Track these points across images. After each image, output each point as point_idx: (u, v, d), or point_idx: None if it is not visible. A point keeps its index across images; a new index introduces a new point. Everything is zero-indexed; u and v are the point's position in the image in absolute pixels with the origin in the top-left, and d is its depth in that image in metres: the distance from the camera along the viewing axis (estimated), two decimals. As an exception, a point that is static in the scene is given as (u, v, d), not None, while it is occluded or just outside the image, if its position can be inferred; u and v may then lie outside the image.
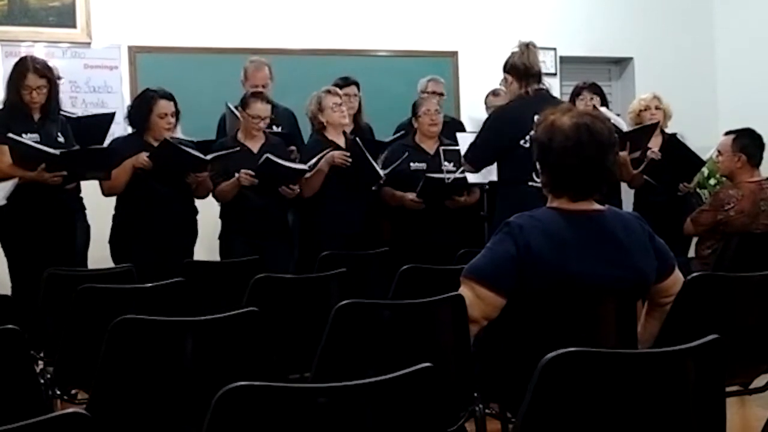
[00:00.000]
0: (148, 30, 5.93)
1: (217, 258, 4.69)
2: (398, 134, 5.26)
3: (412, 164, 4.91)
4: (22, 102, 4.31)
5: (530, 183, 3.85)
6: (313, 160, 4.64)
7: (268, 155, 4.46)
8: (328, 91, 4.82)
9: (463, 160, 4.46)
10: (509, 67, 4.13)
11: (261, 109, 4.63)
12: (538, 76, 4.11)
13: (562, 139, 2.28)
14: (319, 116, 4.79)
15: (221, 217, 4.75)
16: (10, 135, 4.16)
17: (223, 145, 4.67)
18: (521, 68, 4.08)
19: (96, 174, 4.39)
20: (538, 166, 2.40)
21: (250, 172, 4.49)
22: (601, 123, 2.32)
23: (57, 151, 4.17)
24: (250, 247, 4.47)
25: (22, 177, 4.19)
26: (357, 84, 5.29)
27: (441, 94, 5.42)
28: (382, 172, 4.74)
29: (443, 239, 4.72)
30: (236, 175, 4.51)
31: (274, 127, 5.00)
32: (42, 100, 4.33)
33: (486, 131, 4.19)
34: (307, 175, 4.66)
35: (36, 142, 4.24)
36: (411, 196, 4.81)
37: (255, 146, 4.66)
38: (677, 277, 2.46)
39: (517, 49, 4.12)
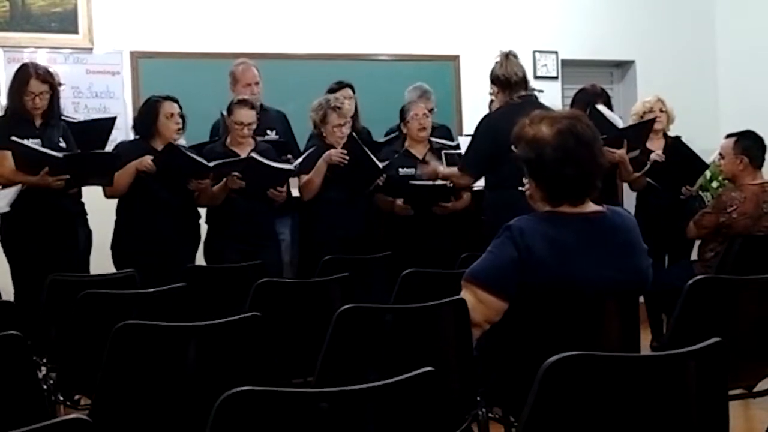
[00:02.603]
0: (150, 35, 5.94)
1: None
2: (391, 136, 5.25)
3: (400, 169, 4.92)
4: (24, 108, 4.33)
5: (519, 188, 3.94)
6: (299, 160, 4.64)
7: (253, 155, 4.46)
8: (336, 109, 4.80)
9: (459, 171, 4.52)
10: (493, 78, 4.32)
11: (245, 115, 4.60)
12: (521, 83, 4.27)
13: (551, 152, 2.26)
14: (320, 126, 4.81)
15: (207, 221, 4.75)
16: (14, 138, 4.18)
17: (213, 149, 4.68)
18: (502, 79, 4.26)
19: (99, 180, 4.40)
20: (528, 181, 2.38)
21: (236, 174, 4.48)
22: (581, 123, 2.30)
23: (61, 155, 4.19)
24: (237, 251, 4.47)
25: (25, 182, 4.20)
26: (351, 87, 5.28)
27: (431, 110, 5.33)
28: (381, 165, 4.75)
29: (444, 243, 4.73)
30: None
31: (268, 131, 5.00)
32: (44, 106, 4.34)
33: (476, 140, 4.35)
34: (305, 178, 4.67)
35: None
36: (400, 201, 4.83)
37: (243, 152, 4.65)
38: None
39: (498, 59, 4.29)
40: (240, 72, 5.07)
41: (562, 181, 2.28)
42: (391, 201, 4.88)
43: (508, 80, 4.23)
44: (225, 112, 4.83)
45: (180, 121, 4.48)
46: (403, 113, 5.05)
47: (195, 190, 4.49)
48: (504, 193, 4.07)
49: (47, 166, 4.16)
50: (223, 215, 4.64)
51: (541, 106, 4.14)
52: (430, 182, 4.78)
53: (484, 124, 4.36)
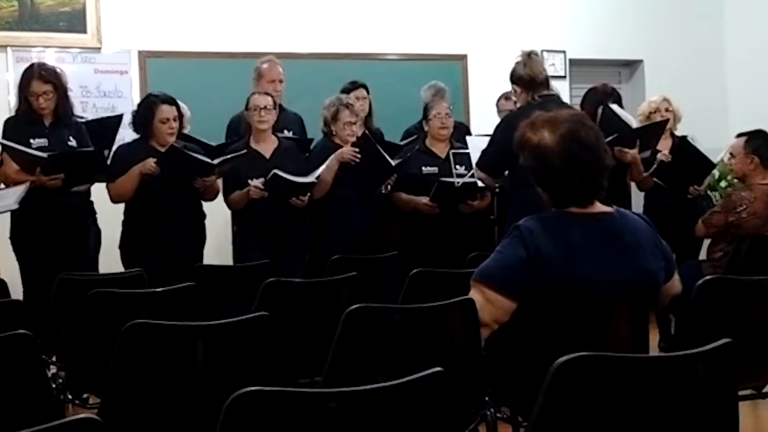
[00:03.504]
0: (158, 35, 5.95)
1: (225, 262, 4.68)
2: (411, 139, 5.25)
3: (423, 168, 4.92)
4: (30, 108, 4.35)
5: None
6: (319, 171, 4.63)
7: (276, 171, 4.45)
8: (347, 106, 4.81)
9: (476, 168, 4.44)
10: (515, 78, 4.19)
11: (259, 99, 4.61)
12: (544, 83, 4.16)
13: (556, 160, 2.25)
14: (330, 124, 4.81)
15: (235, 222, 4.75)
16: (2, 141, 4.22)
17: (236, 149, 4.66)
18: (526, 78, 4.13)
19: (97, 177, 4.40)
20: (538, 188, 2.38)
21: (259, 185, 4.49)
22: (583, 126, 2.29)
23: (44, 155, 4.19)
24: (263, 252, 4.47)
25: (28, 181, 4.22)
26: (366, 87, 5.29)
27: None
28: (393, 162, 4.75)
29: (453, 242, 4.72)
30: (249, 182, 4.51)
31: (286, 131, 5.01)
32: (50, 106, 4.35)
33: (496, 139, 4.23)
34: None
35: (43, 146, 4.28)
36: (425, 200, 4.82)
37: (267, 151, 4.65)
38: (676, 279, 2.47)
39: (520, 59, 4.17)
40: (266, 69, 5.10)
41: (569, 187, 2.28)
42: (412, 199, 4.88)
43: (534, 80, 4.10)
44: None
45: (175, 125, 4.42)
46: (425, 111, 5.07)
47: (201, 187, 4.48)
48: (524, 192, 3.99)
49: (37, 165, 4.18)
50: (249, 216, 4.63)
51: (564, 105, 4.11)
52: (461, 180, 4.78)
53: (505, 123, 4.28)
